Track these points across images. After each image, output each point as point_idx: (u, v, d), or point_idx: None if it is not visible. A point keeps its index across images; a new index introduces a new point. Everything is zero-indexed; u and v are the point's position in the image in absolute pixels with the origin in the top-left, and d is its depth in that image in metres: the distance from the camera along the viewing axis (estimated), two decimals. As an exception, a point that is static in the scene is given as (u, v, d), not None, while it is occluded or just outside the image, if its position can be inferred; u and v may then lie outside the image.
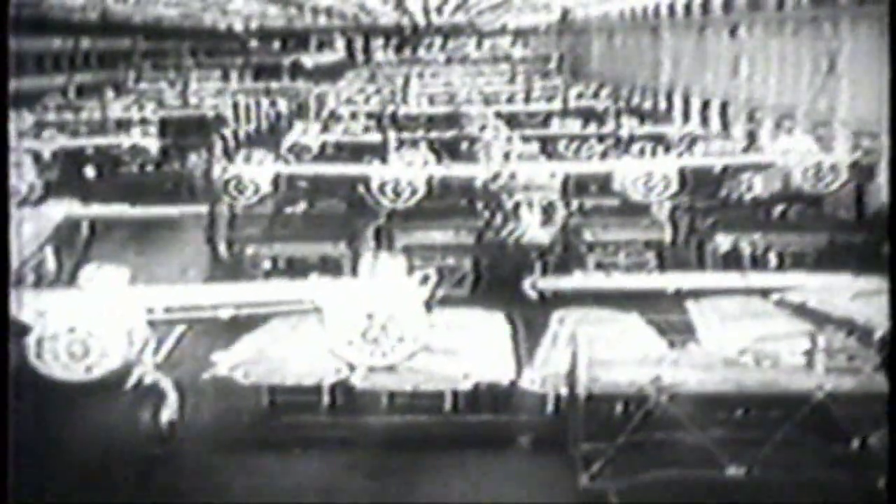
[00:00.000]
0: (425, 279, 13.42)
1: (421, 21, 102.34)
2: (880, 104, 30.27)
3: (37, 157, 31.80)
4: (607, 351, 14.13)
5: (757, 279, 19.79)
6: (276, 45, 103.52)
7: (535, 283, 19.15)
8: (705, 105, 44.89)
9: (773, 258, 22.99)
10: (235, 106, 51.96)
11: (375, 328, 13.19)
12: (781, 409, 13.20)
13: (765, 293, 18.32)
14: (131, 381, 14.16)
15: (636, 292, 18.72)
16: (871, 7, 31.27)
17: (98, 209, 20.45)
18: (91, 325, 13.03)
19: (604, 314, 16.87)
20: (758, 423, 13.55)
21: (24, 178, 25.05)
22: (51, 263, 17.20)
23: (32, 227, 18.60)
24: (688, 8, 48.72)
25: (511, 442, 14.82)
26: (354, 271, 15.59)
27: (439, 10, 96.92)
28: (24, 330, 12.90)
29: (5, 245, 9.79)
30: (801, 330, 14.58)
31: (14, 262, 12.74)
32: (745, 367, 13.88)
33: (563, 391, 14.59)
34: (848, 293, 17.51)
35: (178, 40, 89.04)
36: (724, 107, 42.85)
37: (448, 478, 13.70)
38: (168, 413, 14.47)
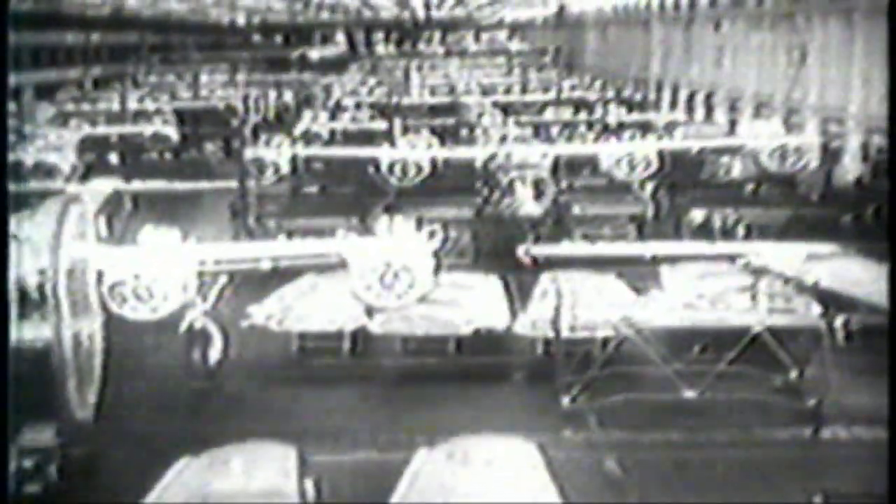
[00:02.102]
0: (432, 234, 16.07)
1: (421, 16, 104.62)
2: (846, 92, 32.91)
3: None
4: (584, 298, 16.73)
5: (725, 247, 22.31)
6: (279, 39, 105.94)
7: (527, 250, 21.64)
8: (692, 95, 47.46)
9: (741, 230, 25.48)
10: (245, 98, 54.21)
11: (391, 275, 15.81)
12: (729, 343, 15.81)
13: (731, 258, 20.86)
14: (184, 324, 16.68)
15: (617, 258, 21.22)
16: (839, 3, 33.84)
17: (140, 185, 23.11)
18: (153, 274, 15.54)
19: (584, 274, 19.34)
20: (710, 356, 16.17)
21: (66, 159, 27.77)
22: (103, 228, 19.69)
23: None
24: (676, 3, 51.29)
25: (506, 377, 17.43)
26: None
27: (439, 5, 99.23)
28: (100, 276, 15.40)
29: (5, 243, 9.82)
30: (749, 280, 17.12)
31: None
32: (701, 309, 16.50)
33: (550, 335, 17.14)
34: (802, 257, 20.09)
35: (185, 35, 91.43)
36: (708, 97, 45.44)
37: (452, 406, 16.17)
38: (214, 353, 17.00)
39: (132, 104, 49.89)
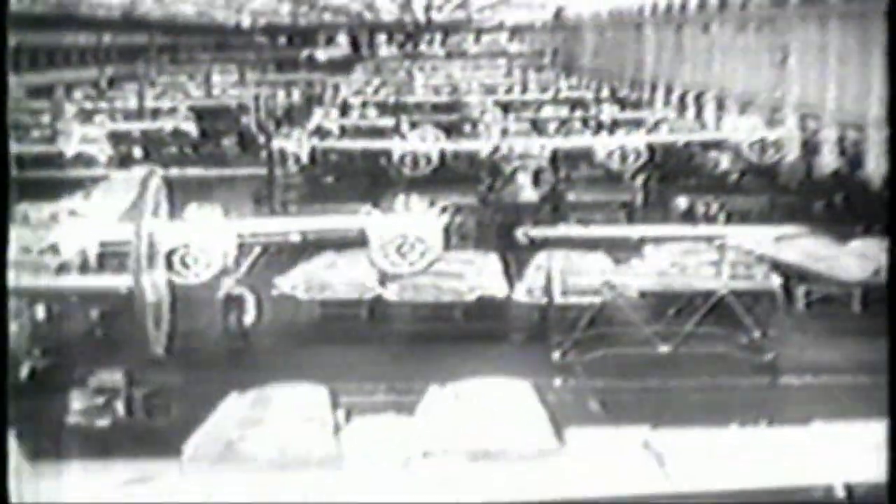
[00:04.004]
0: (443, 210, 18.48)
1: (422, 18, 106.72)
2: (823, 91, 35.28)
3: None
4: (572, 268, 19.14)
5: (703, 229, 24.69)
6: (283, 40, 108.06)
7: (525, 233, 23.99)
8: (683, 95, 49.80)
9: (722, 216, 27.83)
10: (256, 97, 56.48)
11: (406, 245, 18.19)
12: (698, 304, 18.19)
13: (709, 240, 23.21)
14: (222, 291, 19.04)
15: (606, 239, 23.56)
16: (817, 8, 36.21)
17: (175, 171, 25.49)
18: (197, 244, 17.91)
19: (575, 252, 21.65)
20: (683, 318, 18.56)
21: (104, 151, 30.34)
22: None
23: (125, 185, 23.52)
24: (668, 8, 53.67)
25: (505, 338, 19.76)
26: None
27: (440, 8, 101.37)
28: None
29: (5, 240, 10.03)
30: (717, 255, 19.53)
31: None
32: (673, 275, 18.90)
33: (544, 300, 19.51)
34: (772, 237, 22.49)
35: (192, 36, 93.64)
36: (698, 96, 47.78)
37: (458, 361, 18.33)
38: (248, 317, 19.35)
39: (149, 102, 52.05)
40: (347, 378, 17.33)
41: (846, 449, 9.11)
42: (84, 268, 18.08)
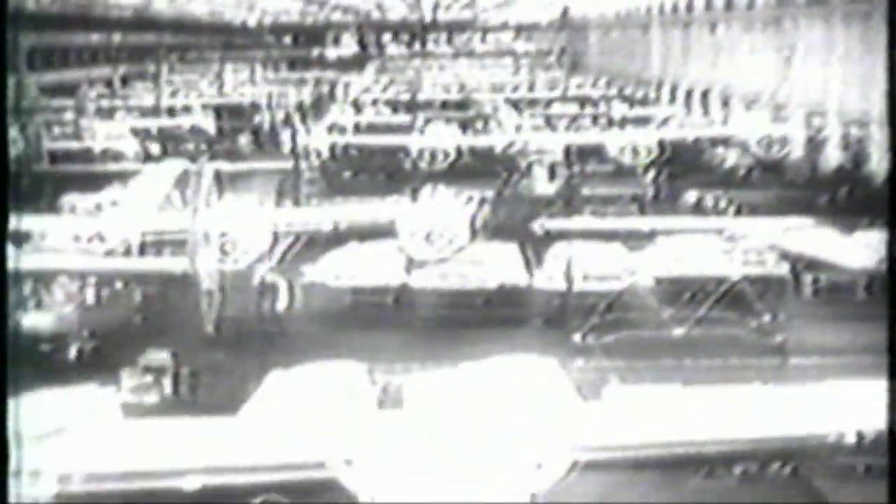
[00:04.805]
0: (469, 199, 19.45)
1: (428, 17, 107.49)
2: (827, 89, 36.21)
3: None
4: (591, 255, 20.11)
5: (715, 221, 25.65)
6: (291, 39, 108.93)
7: (542, 225, 24.92)
8: (689, 93, 50.72)
9: (731, 209, 28.73)
10: (269, 95, 57.42)
11: (435, 232, 19.15)
12: (710, 288, 19.15)
13: (719, 231, 24.17)
14: (256, 278, 20.01)
15: (620, 231, 24.50)
16: (822, 9, 37.14)
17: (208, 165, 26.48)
18: (236, 231, 18.88)
19: (591, 242, 22.59)
20: (695, 300, 19.52)
21: (131, 146, 31.48)
22: (178, 199, 23.07)
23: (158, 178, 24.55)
24: (675, 7, 54.58)
25: (527, 322, 20.69)
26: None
27: (447, 7, 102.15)
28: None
29: (4, 239, 10.31)
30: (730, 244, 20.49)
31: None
32: (687, 262, 19.87)
33: (563, 287, 20.45)
34: (781, 229, 23.47)
35: (199, 35, 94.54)
36: (704, 94, 48.69)
37: (483, 343, 19.30)
38: (281, 303, 20.32)
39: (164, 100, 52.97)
40: (377, 358, 18.36)
41: (854, 403, 10.12)
42: (127, 254, 19.05)
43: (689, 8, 51.87)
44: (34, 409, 9.82)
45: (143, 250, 19.00)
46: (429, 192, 19.62)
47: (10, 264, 16.32)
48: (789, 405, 10.40)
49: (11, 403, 9.19)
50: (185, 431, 11.20)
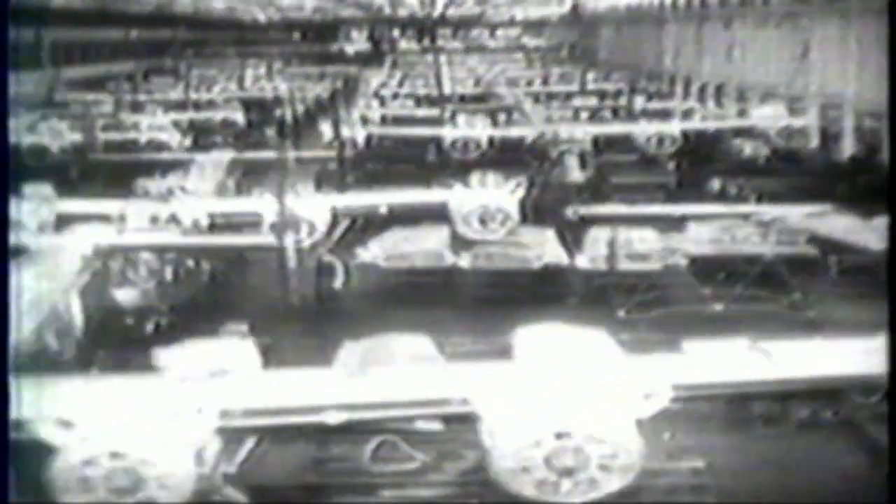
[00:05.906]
0: (518, 185, 20.73)
1: (437, 12, 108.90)
2: (844, 82, 37.46)
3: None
4: (629, 238, 21.38)
5: (742, 207, 26.89)
6: (304, 35, 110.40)
7: (576, 210, 26.18)
8: (703, 87, 52.04)
9: (753, 196, 29.98)
10: (291, 89, 58.71)
11: (488, 215, 20.41)
12: (746, 267, 20.42)
13: (745, 217, 25.43)
14: (315, 258, 21.26)
15: (650, 216, 25.73)
16: (838, 4, 38.40)
17: (252, 154, 27.85)
18: (300, 214, 20.15)
19: (626, 227, 23.79)
20: (731, 279, 20.77)
21: (173, 137, 32.91)
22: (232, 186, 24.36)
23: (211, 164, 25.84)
24: (688, 2, 55.86)
25: (573, 299, 21.91)
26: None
27: (459, 4, 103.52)
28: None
29: (5, 239, 10.32)
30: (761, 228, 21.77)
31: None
32: (723, 242, 21.14)
33: (604, 267, 21.71)
34: (803, 214, 24.74)
35: (212, 31, 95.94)
36: (718, 88, 50.01)
37: (531, 319, 20.57)
38: (338, 282, 21.57)
39: (181, 95, 54.35)
40: (432, 332, 19.60)
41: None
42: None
43: (703, 4, 53.15)
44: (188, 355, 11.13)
45: (211, 231, 20.26)
46: (478, 177, 20.82)
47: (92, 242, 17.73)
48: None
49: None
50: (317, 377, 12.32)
